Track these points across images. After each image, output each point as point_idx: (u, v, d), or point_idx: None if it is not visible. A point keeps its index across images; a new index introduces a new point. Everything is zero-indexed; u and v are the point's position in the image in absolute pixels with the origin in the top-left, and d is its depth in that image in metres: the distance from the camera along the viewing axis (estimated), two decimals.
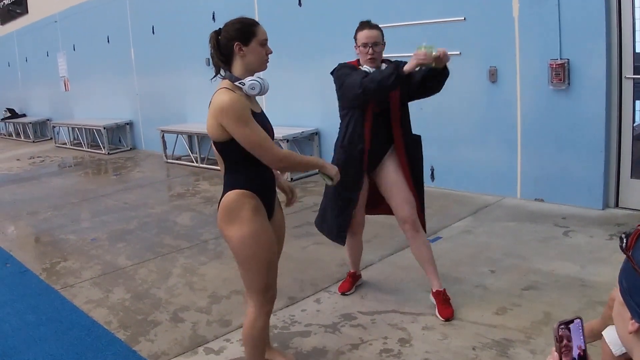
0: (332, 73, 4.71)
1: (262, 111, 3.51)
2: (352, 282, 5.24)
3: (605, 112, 6.59)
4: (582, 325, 1.61)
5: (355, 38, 4.60)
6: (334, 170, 3.47)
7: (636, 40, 6.46)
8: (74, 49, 17.54)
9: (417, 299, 4.94)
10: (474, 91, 7.68)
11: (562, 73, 6.72)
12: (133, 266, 6.34)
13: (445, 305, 4.59)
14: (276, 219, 3.65)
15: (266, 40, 3.43)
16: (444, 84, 4.47)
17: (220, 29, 3.42)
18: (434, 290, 4.68)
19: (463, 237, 6.31)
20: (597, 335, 3.16)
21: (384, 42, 4.57)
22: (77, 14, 16.66)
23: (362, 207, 4.85)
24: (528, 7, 6.97)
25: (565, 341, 1.58)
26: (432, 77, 4.37)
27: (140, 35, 14.30)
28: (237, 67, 3.38)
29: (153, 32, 13.77)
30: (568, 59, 6.71)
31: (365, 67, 4.51)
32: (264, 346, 3.68)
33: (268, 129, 3.40)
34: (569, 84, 6.75)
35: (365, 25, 4.58)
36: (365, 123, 4.57)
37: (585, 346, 1.61)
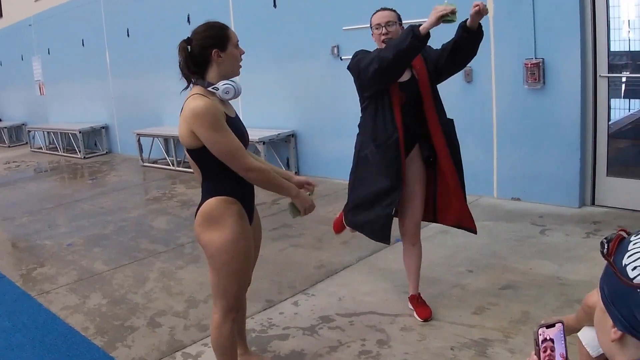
0: (348, 68, 4.41)
1: (236, 115, 3.48)
2: (416, 305, 4.71)
3: (580, 110, 6.62)
4: (564, 330, 1.60)
5: (370, 27, 4.42)
6: (305, 203, 3.26)
7: (611, 38, 6.50)
8: (49, 53, 17.41)
9: (395, 300, 4.94)
10: (450, 91, 7.63)
11: (537, 72, 6.75)
12: (109, 271, 6.29)
13: (423, 306, 4.60)
14: (255, 225, 3.64)
15: (238, 41, 3.38)
16: (478, 47, 4.23)
17: (189, 38, 3.33)
18: (410, 294, 4.68)
19: (440, 237, 6.31)
20: (571, 332, 3.17)
21: (401, 24, 4.37)
22: (52, 17, 16.55)
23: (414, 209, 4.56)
24: (503, 7, 6.99)
25: (547, 347, 1.57)
26: (465, 42, 4.12)
27: (115, 38, 14.22)
28: (212, 73, 3.31)
29: (128, 35, 13.71)
30: (543, 59, 6.74)
31: None
32: (234, 351, 3.59)
33: (243, 132, 3.38)
34: (544, 83, 6.78)
35: (379, 9, 4.42)
36: (395, 108, 4.25)
37: (567, 353, 1.61)
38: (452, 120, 4.52)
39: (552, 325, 1.58)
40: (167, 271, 6.14)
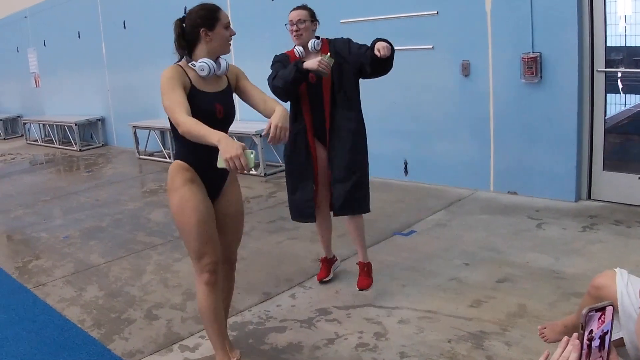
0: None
1: (220, 91, 3.67)
2: (328, 268, 5.34)
3: (577, 105, 6.63)
4: (613, 314, 1.60)
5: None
6: (226, 154, 3.12)
7: (608, 33, 6.50)
8: (45, 45, 17.36)
9: (392, 292, 4.95)
10: (447, 85, 7.70)
11: (534, 66, 6.75)
12: (106, 264, 6.29)
13: (366, 276, 4.93)
14: (226, 197, 3.83)
15: (229, 23, 3.60)
16: (390, 65, 4.64)
17: (184, 16, 3.59)
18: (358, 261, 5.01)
19: (437, 230, 6.32)
20: (573, 331, 3.17)
21: (314, 21, 4.85)
22: (48, 9, 16.50)
23: (324, 182, 4.95)
24: (500, 1, 6.98)
25: (591, 332, 1.57)
26: (376, 64, 4.55)
27: (112, 30, 14.19)
28: (201, 51, 3.57)
29: (124, 27, 13.67)
30: (540, 53, 6.74)
31: (296, 48, 4.87)
32: (214, 317, 3.76)
33: (211, 108, 3.56)
34: (541, 77, 6.78)
35: (295, 7, 4.91)
36: (302, 102, 4.79)
37: (611, 336, 1.60)
38: (357, 127, 4.84)
39: (602, 309, 1.57)
40: (164, 264, 6.14)
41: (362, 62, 4.61)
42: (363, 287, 4.86)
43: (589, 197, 6.87)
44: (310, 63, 4.43)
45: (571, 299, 4.50)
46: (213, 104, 3.57)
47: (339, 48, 4.74)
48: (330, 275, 5.32)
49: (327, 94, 4.71)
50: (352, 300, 4.86)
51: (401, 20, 7.88)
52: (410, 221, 6.65)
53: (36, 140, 17.51)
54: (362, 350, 4.10)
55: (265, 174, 9.72)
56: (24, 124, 18.36)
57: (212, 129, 3.17)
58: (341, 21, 8.58)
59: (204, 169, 3.61)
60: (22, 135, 19.04)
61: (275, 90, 4.60)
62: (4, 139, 19.60)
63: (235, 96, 3.83)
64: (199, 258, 3.63)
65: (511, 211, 6.72)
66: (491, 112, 7.32)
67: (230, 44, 3.64)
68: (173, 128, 3.50)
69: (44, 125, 17.24)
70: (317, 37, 4.85)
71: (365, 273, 4.92)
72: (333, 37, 4.88)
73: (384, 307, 4.70)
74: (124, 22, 13.64)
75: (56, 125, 16.24)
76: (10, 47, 19.46)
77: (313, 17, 4.83)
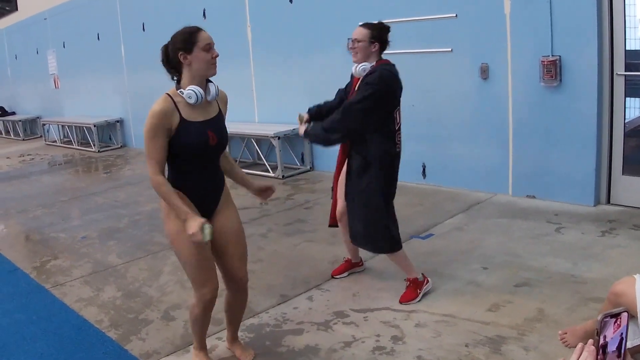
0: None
1: (211, 118, 3.67)
2: (347, 268, 5.47)
3: (596, 108, 6.58)
4: (628, 320, 1.59)
5: None
6: (188, 230, 3.37)
7: (627, 37, 6.45)
8: (64, 47, 17.46)
9: None
10: (466, 88, 7.67)
11: (553, 70, 6.71)
12: (124, 264, 6.31)
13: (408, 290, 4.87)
14: (220, 217, 3.81)
15: (209, 44, 3.53)
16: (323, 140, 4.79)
17: (168, 42, 3.61)
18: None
19: (455, 234, 6.30)
20: (592, 336, 3.15)
21: (374, 42, 4.64)
22: (67, 11, 16.59)
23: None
24: (520, 4, 6.95)
25: (605, 337, 1.57)
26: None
27: (131, 32, 14.24)
28: (186, 75, 3.56)
29: (143, 30, 13.73)
30: (560, 56, 6.70)
31: (353, 68, 4.74)
32: (204, 327, 3.99)
33: (200, 138, 3.57)
34: (560, 80, 6.74)
35: (361, 24, 4.76)
36: None
37: (625, 342, 1.60)
38: (370, 160, 4.69)
39: (618, 315, 1.57)
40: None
41: None
42: (402, 301, 4.79)
43: (608, 202, 6.83)
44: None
45: (589, 304, 4.47)
46: (205, 132, 3.58)
47: (364, 82, 4.61)
48: (345, 274, 5.39)
49: None
50: (370, 303, 4.84)
51: (420, 23, 7.86)
52: (428, 225, 6.63)
53: (55, 141, 17.61)
54: (379, 353, 4.08)
55: (283, 176, 9.73)
56: (43, 125, 18.48)
57: (178, 203, 3.41)
58: (360, 24, 8.57)
59: (196, 195, 3.66)
60: (41, 136, 19.16)
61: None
62: (23, 139, 19.72)
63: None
64: (200, 286, 3.72)
65: (530, 215, 6.69)
66: (510, 116, 7.29)
67: (214, 65, 3.58)
68: (170, 155, 3.59)
69: (62, 126, 17.35)
70: (380, 60, 4.70)
71: (409, 288, 4.85)
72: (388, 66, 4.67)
73: (401, 310, 4.68)
74: (143, 24, 13.70)
75: (75, 126, 16.33)
76: (30, 49, 19.58)
77: (373, 38, 4.64)
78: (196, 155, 3.58)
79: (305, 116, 5.09)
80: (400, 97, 4.65)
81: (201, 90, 3.54)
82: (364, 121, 4.49)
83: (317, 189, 8.84)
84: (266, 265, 5.94)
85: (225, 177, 3.89)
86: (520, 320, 4.33)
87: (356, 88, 4.63)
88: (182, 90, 3.55)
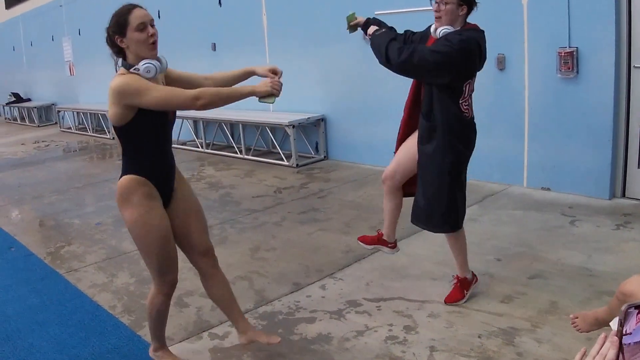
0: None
1: None
2: (376, 241, 5.02)
3: (613, 101, 6.54)
4: None
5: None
6: (268, 86, 3.34)
7: None
8: (79, 34, 17.49)
9: (423, 286, 4.93)
10: (482, 78, 7.53)
11: (570, 61, 6.68)
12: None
13: (455, 290, 4.65)
14: (178, 195, 3.75)
15: (142, 23, 3.39)
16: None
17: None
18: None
19: (469, 225, 6.24)
20: (603, 324, 3.13)
21: (463, 5, 4.25)
22: None
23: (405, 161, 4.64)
24: None
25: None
26: None
27: None
28: (130, 56, 3.44)
29: (159, 17, 13.69)
30: (577, 47, 6.66)
31: (432, 27, 4.44)
32: (160, 322, 3.90)
33: (164, 112, 3.48)
34: (577, 72, 6.70)
35: None
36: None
37: None
38: (436, 125, 4.34)
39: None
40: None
41: None
42: (447, 301, 4.61)
43: (623, 195, 6.79)
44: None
45: (603, 297, 4.45)
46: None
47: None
48: (370, 247, 5.05)
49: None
50: (383, 293, 4.84)
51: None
52: None
53: (70, 128, 17.68)
54: (392, 343, 4.09)
55: (297, 165, 9.72)
56: (58, 111, 18.55)
57: (234, 87, 3.36)
58: (376, 12, 8.54)
59: (160, 177, 3.58)
60: (56, 123, 19.24)
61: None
62: (38, 126, 19.80)
63: None
64: (162, 275, 3.67)
65: (544, 207, 6.66)
66: (526, 107, 7.26)
67: (152, 45, 3.42)
68: (123, 142, 3.51)
69: (77, 113, 17.41)
70: (467, 24, 4.39)
71: (456, 286, 4.65)
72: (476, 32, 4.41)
73: (414, 300, 4.69)
74: (159, 11, 13.67)
75: (90, 113, 16.39)
76: (46, 36, 19.64)
77: (462, 0, 4.23)
78: (157, 133, 3.51)
79: (360, 19, 4.68)
80: (479, 69, 4.47)
81: (157, 63, 3.42)
82: (427, 71, 4.16)
83: (331, 178, 8.83)
84: (280, 254, 5.95)
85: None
86: (533, 312, 4.32)
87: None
88: (137, 67, 3.39)
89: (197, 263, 3.90)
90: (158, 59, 3.48)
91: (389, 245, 5.03)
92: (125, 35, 3.37)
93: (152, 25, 3.44)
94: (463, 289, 4.62)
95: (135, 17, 3.38)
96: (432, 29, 4.39)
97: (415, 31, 4.66)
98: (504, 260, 5.33)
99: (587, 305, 4.35)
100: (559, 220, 6.23)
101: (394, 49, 4.15)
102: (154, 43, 3.42)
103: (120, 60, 3.50)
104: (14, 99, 22.07)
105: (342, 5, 9.21)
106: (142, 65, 3.37)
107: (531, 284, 4.80)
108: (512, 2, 7.12)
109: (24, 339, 4.56)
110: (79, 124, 17.52)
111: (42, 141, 16.01)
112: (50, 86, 20.56)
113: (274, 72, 3.74)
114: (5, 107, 23.19)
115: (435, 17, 4.29)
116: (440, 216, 4.45)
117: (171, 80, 3.71)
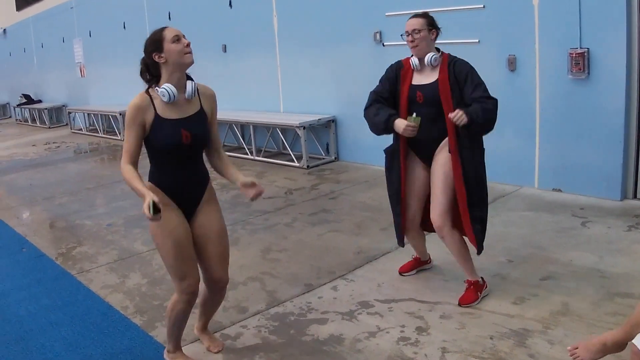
0: None
1: (185, 117, 3.70)
2: (415, 266, 5.27)
3: (624, 102, 6.52)
4: None
5: None
6: (144, 203, 3.34)
7: None
8: (90, 35, 17.57)
9: (434, 287, 4.93)
10: (493, 79, 7.57)
11: (581, 62, 6.66)
12: (149, 252, 6.34)
13: (470, 293, 4.66)
14: (202, 217, 3.85)
15: (176, 36, 3.65)
16: (486, 128, 4.53)
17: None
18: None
19: None
20: (613, 349, 3.07)
21: (432, 29, 4.58)
22: (94, 0, 16.67)
23: (414, 204, 4.84)
24: None
25: None
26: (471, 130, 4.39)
27: (157, 21, 14.25)
28: (165, 74, 3.67)
29: (169, 19, 13.76)
30: (588, 48, 6.65)
31: (412, 59, 4.62)
32: (178, 327, 3.97)
33: (174, 134, 3.63)
34: (588, 73, 6.69)
35: (412, 16, 4.65)
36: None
37: None
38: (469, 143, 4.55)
39: None
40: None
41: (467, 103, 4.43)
42: (461, 303, 4.62)
43: (635, 196, 6.77)
44: (398, 126, 4.44)
45: (615, 298, 4.44)
46: (178, 130, 3.64)
47: (458, 71, 4.50)
48: (413, 272, 5.24)
49: (448, 109, 4.44)
50: (394, 294, 4.84)
51: (447, 13, 7.81)
52: None
53: (81, 129, 17.73)
54: (404, 344, 4.08)
55: (308, 166, 9.72)
56: (69, 113, 18.62)
57: (140, 186, 3.42)
58: (386, 14, 8.56)
59: (177, 191, 3.73)
60: (67, 124, 19.32)
61: (366, 119, 4.75)
62: (49, 127, 19.88)
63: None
64: (180, 279, 3.73)
65: (556, 208, 6.65)
66: (537, 108, 7.25)
67: (187, 54, 3.67)
68: (148, 152, 3.74)
69: (88, 114, 17.45)
70: (438, 50, 4.65)
71: (470, 290, 4.67)
72: (454, 56, 4.64)
73: (426, 302, 4.69)
74: (169, 13, 13.73)
75: (101, 114, 16.44)
76: (57, 38, 19.72)
77: (431, 26, 4.57)
78: (170, 153, 3.66)
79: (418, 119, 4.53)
80: None
81: (173, 89, 3.62)
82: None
83: (342, 179, 8.83)
84: (291, 255, 5.96)
85: (209, 176, 3.94)
86: (545, 314, 4.31)
87: (452, 75, 4.51)
88: (157, 88, 3.65)
89: (205, 282, 3.98)
90: (186, 85, 3.75)
91: (427, 262, 5.33)
92: (162, 49, 3.60)
93: (185, 37, 3.70)
94: (477, 290, 4.64)
95: (169, 32, 3.64)
96: (413, 61, 4.63)
97: (377, 90, 4.88)
98: (516, 261, 5.32)
99: (599, 307, 4.34)
100: (570, 222, 6.21)
101: (485, 118, 4.44)
102: (189, 52, 3.68)
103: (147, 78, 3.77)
104: (25, 100, 22.16)
105: (353, 6, 9.24)
106: (160, 88, 3.63)
107: (543, 286, 4.79)
108: (523, 3, 7.11)
109: (36, 339, 4.57)
110: (90, 125, 17.57)
111: (53, 142, 16.06)
112: (61, 88, 20.63)
113: (251, 186, 3.81)
114: (16, 109, 23.31)
115: (412, 48, 4.56)
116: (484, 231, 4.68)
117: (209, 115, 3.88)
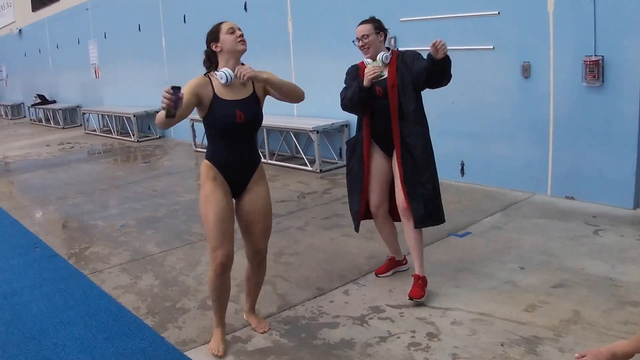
0: None
1: (239, 99, 4.14)
2: (390, 266, 5.44)
3: (638, 110, 6.50)
4: None
5: None
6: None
7: None
8: (105, 37, 17.64)
9: (445, 293, 4.92)
10: (507, 86, 7.63)
11: (596, 70, 6.65)
12: (161, 253, 6.37)
13: (419, 288, 4.83)
14: (250, 194, 4.27)
15: (231, 28, 4.16)
16: (448, 72, 4.63)
17: None
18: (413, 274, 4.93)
19: (493, 232, 6.27)
20: (627, 357, 3.05)
21: (380, 32, 4.93)
22: (109, 1, 16.77)
23: (378, 190, 5.08)
24: (564, 2, 6.89)
25: None
26: (434, 70, 4.53)
27: (172, 23, 14.34)
28: (221, 60, 4.17)
29: (184, 21, 13.81)
30: (602, 56, 6.64)
31: (366, 60, 4.95)
32: (219, 296, 4.27)
33: (227, 114, 4.07)
34: (603, 81, 6.68)
35: (360, 22, 5.03)
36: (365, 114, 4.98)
37: None
38: (422, 131, 4.87)
39: None
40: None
41: (418, 70, 4.65)
42: (413, 297, 4.76)
43: None
44: (365, 79, 4.69)
45: (626, 307, 4.43)
46: (233, 109, 4.07)
47: (406, 58, 4.84)
48: (389, 273, 5.39)
49: (394, 106, 4.78)
50: (406, 300, 4.82)
51: (462, 19, 7.82)
52: (465, 222, 6.61)
53: (94, 130, 17.80)
54: (415, 349, 4.09)
55: (320, 170, 9.74)
56: (83, 114, 18.69)
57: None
58: (401, 19, 8.56)
59: (229, 170, 4.17)
60: (80, 125, 19.40)
61: (346, 110, 4.97)
62: (63, 128, 19.96)
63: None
64: (214, 249, 4.10)
65: (568, 216, 6.63)
66: (551, 115, 7.23)
67: (240, 42, 4.13)
68: (206, 132, 4.24)
69: (102, 115, 17.53)
70: (389, 49, 4.95)
71: (419, 285, 4.83)
72: (403, 50, 4.98)
73: (437, 307, 4.69)
74: (184, 16, 13.78)
75: (115, 116, 16.51)
76: (72, 39, 19.81)
77: (378, 29, 4.93)
78: (225, 131, 4.10)
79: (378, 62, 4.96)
80: None
81: (230, 71, 4.08)
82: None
83: None
84: (303, 258, 5.97)
85: (260, 160, 4.39)
86: (556, 321, 4.30)
87: (401, 65, 4.82)
88: (216, 72, 4.13)
89: (248, 255, 4.43)
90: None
91: (403, 262, 5.51)
92: (218, 39, 4.13)
93: (239, 29, 4.19)
94: (424, 285, 4.84)
95: (225, 25, 4.18)
96: (367, 60, 4.96)
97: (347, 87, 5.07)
98: (527, 268, 5.31)
99: (610, 315, 4.33)
100: (582, 230, 6.20)
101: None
102: (242, 40, 4.15)
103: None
104: (39, 100, 22.28)
105: (368, 10, 9.22)
106: (218, 72, 4.11)
107: (554, 293, 4.78)
108: (538, 10, 7.11)
109: (49, 338, 4.60)
110: (104, 126, 17.64)
111: (67, 143, 16.13)
112: (75, 88, 20.72)
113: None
114: (30, 109, 23.43)
115: (364, 52, 4.94)
116: (440, 208, 4.95)
117: (266, 90, 4.39)
